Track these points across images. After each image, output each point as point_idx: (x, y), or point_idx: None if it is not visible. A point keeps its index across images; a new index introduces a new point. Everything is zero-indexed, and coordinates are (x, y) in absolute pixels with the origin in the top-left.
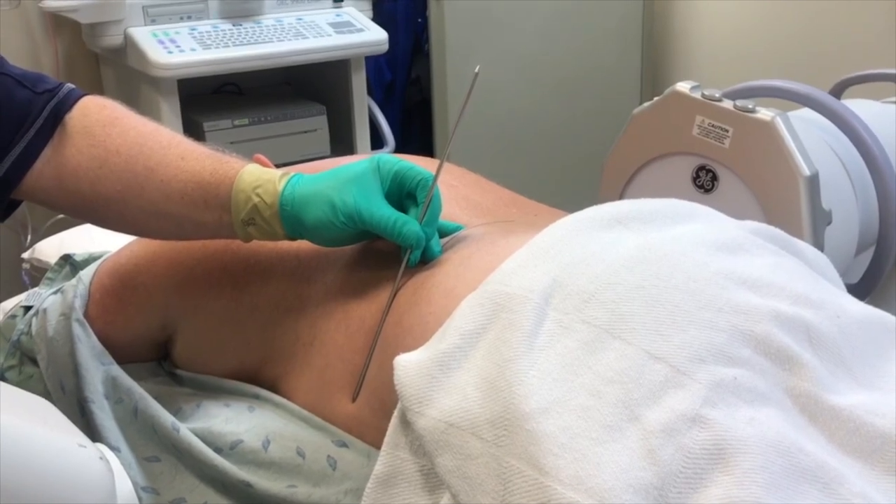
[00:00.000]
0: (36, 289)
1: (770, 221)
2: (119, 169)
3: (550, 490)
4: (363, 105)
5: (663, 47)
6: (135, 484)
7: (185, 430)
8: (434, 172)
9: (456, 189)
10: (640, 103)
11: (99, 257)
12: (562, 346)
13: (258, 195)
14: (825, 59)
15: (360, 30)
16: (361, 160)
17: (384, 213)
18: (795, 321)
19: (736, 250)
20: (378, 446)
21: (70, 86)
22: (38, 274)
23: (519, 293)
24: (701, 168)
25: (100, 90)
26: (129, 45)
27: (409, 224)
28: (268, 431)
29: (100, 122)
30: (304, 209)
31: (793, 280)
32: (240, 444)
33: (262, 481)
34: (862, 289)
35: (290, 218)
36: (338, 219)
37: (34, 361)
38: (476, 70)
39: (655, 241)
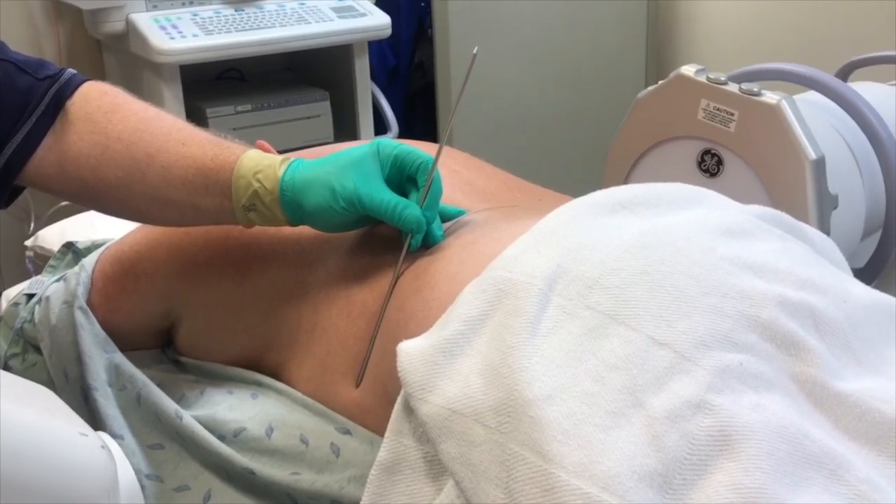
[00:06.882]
0: (38, 277)
1: (776, 205)
2: (120, 155)
3: (554, 477)
4: (366, 90)
5: (668, 32)
6: (139, 471)
7: (189, 418)
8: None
9: (459, 174)
10: (646, 87)
11: (101, 245)
12: (565, 333)
13: (258, 181)
14: (831, 42)
15: (363, 14)
16: (361, 144)
17: (384, 197)
18: (801, 306)
19: (741, 235)
20: (381, 433)
21: (72, 71)
22: (41, 262)
23: (522, 279)
24: (706, 152)
25: (102, 77)
26: (130, 31)
27: (409, 208)
28: (271, 419)
29: (101, 108)
30: (304, 194)
31: (799, 265)
32: (243, 431)
33: (266, 468)
34: (868, 273)
35: (290, 203)
36: (338, 203)
37: (37, 349)
38: (474, 51)
39: (660, 226)
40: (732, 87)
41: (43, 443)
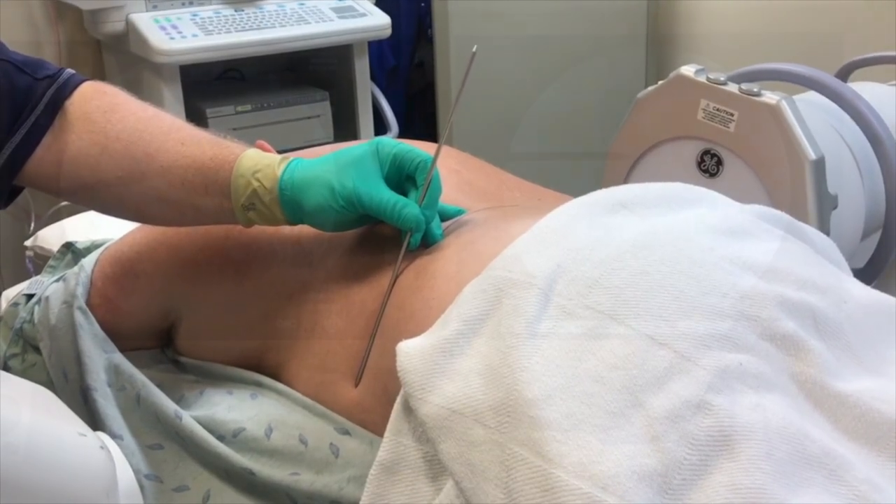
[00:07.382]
0: (38, 277)
1: (776, 205)
2: (119, 155)
3: (554, 477)
4: (366, 91)
5: (668, 32)
6: (138, 472)
7: (188, 418)
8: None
9: (459, 173)
10: (645, 87)
11: (101, 245)
12: (565, 332)
13: (258, 180)
14: (831, 42)
15: (363, 14)
16: (361, 143)
17: (383, 196)
18: (801, 306)
19: (741, 235)
20: (380, 433)
21: (70, 71)
22: (41, 262)
23: (522, 279)
24: (706, 152)
25: (102, 77)
26: (130, 31)
27: (408, 207)
28: (270, 419)
29: (100, 108)
30: (303, 193)
31: (799, 265)
32: (242, 431)
33: (265, 469)
34: (868, 273)
35: (289, 202)
36: (337, 202)
37: (37, 349)
38: (473, 50)
39: (660, 225)
40: (732, 88)
41: (42, 443)
